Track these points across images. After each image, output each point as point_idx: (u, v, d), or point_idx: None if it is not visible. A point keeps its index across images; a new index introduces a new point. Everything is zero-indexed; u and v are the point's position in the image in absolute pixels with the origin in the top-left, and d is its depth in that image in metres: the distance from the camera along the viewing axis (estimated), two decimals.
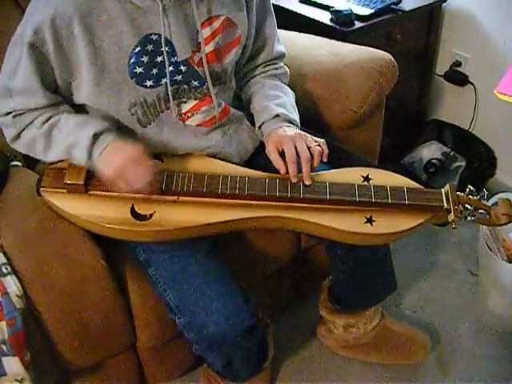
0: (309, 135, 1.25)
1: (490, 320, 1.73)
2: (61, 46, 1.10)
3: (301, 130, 1.29)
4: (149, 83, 1.19)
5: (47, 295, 1.17)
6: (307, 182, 1.20)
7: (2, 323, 1.11)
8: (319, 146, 1.23)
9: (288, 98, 1.36)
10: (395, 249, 1.51)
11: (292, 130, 1.26)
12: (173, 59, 1.19)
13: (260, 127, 1.32)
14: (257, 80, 1.39)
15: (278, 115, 1.29)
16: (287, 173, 1.21)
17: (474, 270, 1.90)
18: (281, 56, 1.42)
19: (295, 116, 1.32)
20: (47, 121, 1.18)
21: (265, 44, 1.37)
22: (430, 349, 1.61)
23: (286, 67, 1.43)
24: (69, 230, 1.19)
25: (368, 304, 1.54)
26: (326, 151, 1.23)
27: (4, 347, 1.11)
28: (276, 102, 1.32)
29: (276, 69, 1.40)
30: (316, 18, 1.92)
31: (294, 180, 1.21)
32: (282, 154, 1.24)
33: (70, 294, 1.18)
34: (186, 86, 1.23)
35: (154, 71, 1.18)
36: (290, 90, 1.39)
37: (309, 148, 1.22)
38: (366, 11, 1.90)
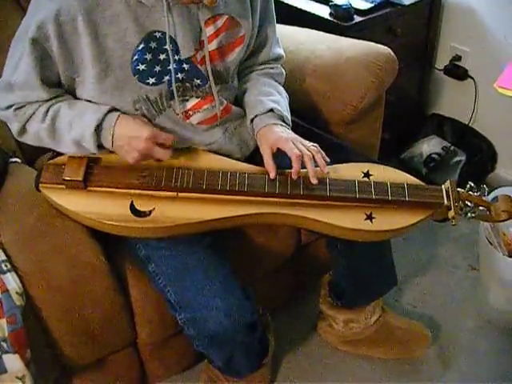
0: (301, 138, 1.25)
1: (490, 315, 1.73)
2: (64, 42, 1.10)
3: (301, 125, 1.28)
4: (151, 80, 1.18)
5: (47, 292, 1.17)
6: (314, 181, 1.19)
7: (2, 320, 1.11)
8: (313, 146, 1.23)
9: (282, 98, 1.35)
10: (395, 243, 1.51)
11: (286, 132, 1.26)
12: (176, 57, 1.18)
13: (252, 120, 1.31)
14: (251, 77, 1.38)
15: (271, 110, 1.28)
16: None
17: (474, 264, 1.90)
18: (278, 58, 1.41)
19: (288, 115, 1.31)
20: (47, 111, 1.17)
21: (264, 45, 1.37)
22: (430, 342, 1.61)
23: (282, 69, 1.42)
24: (68, 227, 1.19)
25: (368, 299, 1.55)
26: (322, 152, 1.23)
27: (4, 345, 1.11)
28: (270, 98, 1.31)
29: (272, 68, 1.40)
30: (315, 13, 1.92)
31: (295, 177, 1.20)
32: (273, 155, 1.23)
33: (70, 290, 1.18)
34: (188, 84, 1.23)
35: (157, 69, 1.18)
36: (284, 91, 1.38)
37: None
38: (365, 5, 1.89)
